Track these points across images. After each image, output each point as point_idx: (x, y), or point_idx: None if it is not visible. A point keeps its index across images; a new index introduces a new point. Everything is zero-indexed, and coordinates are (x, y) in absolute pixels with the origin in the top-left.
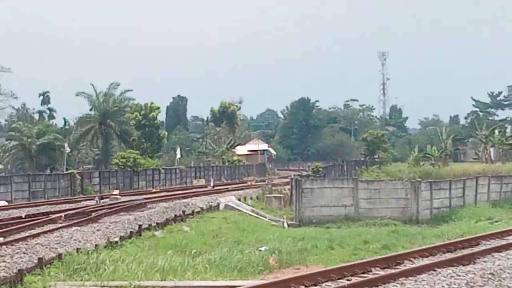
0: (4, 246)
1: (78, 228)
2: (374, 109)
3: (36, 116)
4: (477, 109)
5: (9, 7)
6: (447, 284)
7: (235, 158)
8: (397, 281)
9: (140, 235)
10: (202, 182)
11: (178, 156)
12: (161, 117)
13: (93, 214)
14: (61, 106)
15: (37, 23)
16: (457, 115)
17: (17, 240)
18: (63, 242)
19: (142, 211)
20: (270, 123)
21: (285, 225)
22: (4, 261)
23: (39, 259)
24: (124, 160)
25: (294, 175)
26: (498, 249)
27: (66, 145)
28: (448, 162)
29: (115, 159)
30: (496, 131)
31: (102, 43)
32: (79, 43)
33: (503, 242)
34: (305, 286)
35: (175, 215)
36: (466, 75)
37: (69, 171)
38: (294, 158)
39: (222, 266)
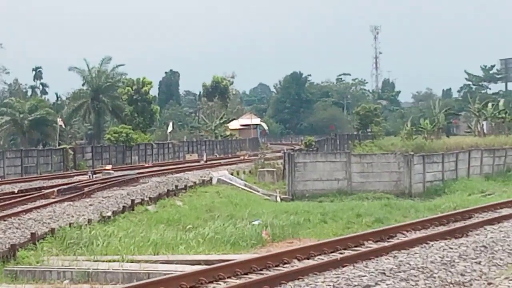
0: None
1: (71, 203)
2: (366, 83)
3: (29, 92)
4: (470, 83)
5: None
6: (439, 256)
7: (227, 132)
8: (389, 254)
9: (133, 210)
10: (195, 156)
11: (170, 129)
12: (154, 92)
13: (86, 189)
14: (53, 82)
15: None
16: (450, 89)
17: (10, 215)
18: (55, 217)
19: (135, 186)
20: (262, 97)
21: (278, 199)
22: None
23: (32, 234)
24: (116, 135)
25: (287, 149)
26: (490, 222)
27: (59, 120)
28: (440, 136)
29: (107, 134)
30: (489, 105)
31: (94, 18)
32: (71, 17)
33: (496, 215)
34: (298, 259)
35: (168, 190)
36: (459, 48)
37: (62, 146)
38: (286, 132)
39: (215, 240)
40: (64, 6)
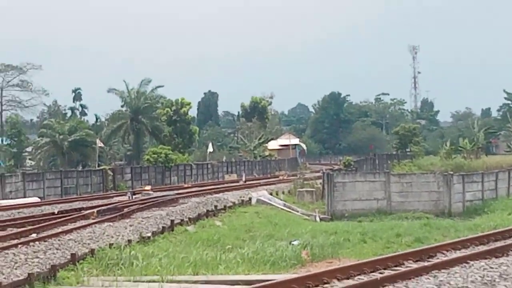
0: (37, 242)
1: (111, 223)
2: (405, 102)
3: (68, 113)
4: (510, 102)
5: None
6: (480, 276)
7: (266, 153)
8: (429, 273)
9: (173, 230)
10: (234, 177)
11: (210, 150)
12: (192, 112)
13: (125, 210)
14: (92, 103)
15: (70, 26)
16: (489, 108)
17: (50, 236)
18: (95, 237)
19: (174, 206)
20: (301, 117)
21: (317, 219)
22: (37, 257)
23: (72, 254)
24: (155, 155)
25: (325, 169)
26: None
27: (98, 141)
28: (480, 155)
29: (146, 155)
30: None
31: (133, 40)
32: (110, 39)
33: None
34: (338, 279)
35: (207, 210)
36: (498, 67)
37: (101, 167)
38: (325, 152)
39: (255, 260)
40: (103, 27)
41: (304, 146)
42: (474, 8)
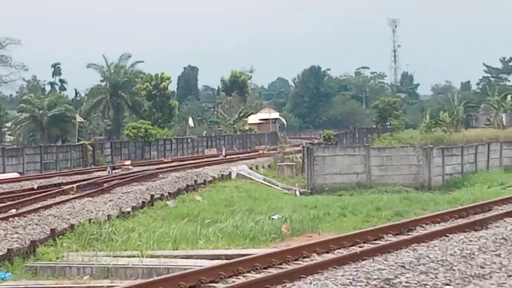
0: (16, 218)
1: (90, 199)
2: (385, 76)
3: (48, 88)
4: (489, 75)
5: None
6: (459, 249)
7: (246, 127)
8: (409, 247)
9: (152, 205)
10: (213, 151)
11: (191, 125)
12: (172, 87)
13: (105, 185)
14: (72, 78)
15: None
16: (469, 81)
17: (30, 212)
18: (75, 213)
19: (154, 181)
20: (281, 91)
21: (297, 193)
22: (17, 233)
23: (52, 230)
24: (135, 130)
25: (305, 143)
26: (510, 214)
27: (78, 116)
28: (460, 128)
29: (126, 130)
30: (508, 97)
31: (113, 15)
32: (90, 14)
33: None
34: (317, 253)
35: (187, 185)
36: (478, 41)
37: (81, 142)
38: (305, 126)
39: (234, 235)
40: (83, 3)
41: (284, 120)
42: None
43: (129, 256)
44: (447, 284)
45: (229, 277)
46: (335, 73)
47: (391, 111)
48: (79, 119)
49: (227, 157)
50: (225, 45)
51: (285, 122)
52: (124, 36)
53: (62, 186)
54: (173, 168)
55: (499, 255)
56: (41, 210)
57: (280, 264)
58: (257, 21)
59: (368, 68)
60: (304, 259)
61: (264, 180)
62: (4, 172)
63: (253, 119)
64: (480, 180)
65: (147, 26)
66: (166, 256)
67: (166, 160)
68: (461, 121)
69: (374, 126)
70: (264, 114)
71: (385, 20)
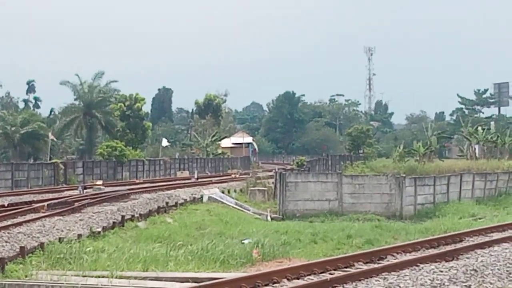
0: None
1: (61, 217)
2: (359, 104)
3: (21, 105)
4: (463, 106)
5: None
6: (429, 279)
7: (219, 150)
8: (379, 275)
9: (123, 226)
10: (186, 174)
11: (165, 144)
12: (146, 108)
13: (76, 204)
14: (46, 96)
15: (22, 11)
16: (443, 112)
17: None
18: (45, 231)
19: (126, 201)
20: (255, 116)
21: (269, 218)
22: None
23: (21, 248)
24: (110, 150)
25: (278, 169)
26: (481, 246)
27: (50, 134)
28: (433, 159)
29: (100, 148)
30: (479, 128)
31: (88, 34)
32: (65, 32)
33: (487, 238)
34: (288, 279)
35: (158, 207)
36: (453, 72)
37: (53, 161)
38: (278, 151)
39: (205, 258)
40: (58, 19)
41: (255, 145)
42: (429, 10)
43: (99, 276)
44: None
45: None
46: (310, 99)
47: (364, 139)
48: (51, 137)
49: (199, 180)
50: (200, 67)
51: (256, 148)
52: (99, 54)
53: (32, 204)
54: (145, 189)
55: (469, 286)
56: (11, 227)
57: None
58: (233, 44)
59: (343, 95)
60: (274, 285)
61: (236, 204)
62: None
63: (226, 143)
64: (452, 211)
65: (123, 45)
66: (135, 278)
67: (138, 181)
68: (434, 152)
69: (347, 153)
70: (237, 138)
71: (361, 48)
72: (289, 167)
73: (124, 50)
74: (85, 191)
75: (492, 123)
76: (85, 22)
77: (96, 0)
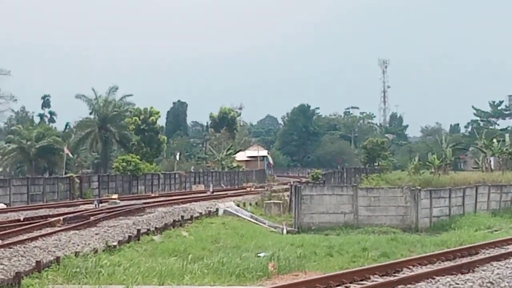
0: (2, 249)
1: (77, 231)
2: (374, 116)
3: (37, 120)
4: (478, 118)
5: (11, 13)
6: None
7: (234, 164)
8: None
9: (139, 240)
10: (201, 187)
11: (178, 157)
12: (161, 122)
13: (92, 218)
14: (61, 110)
15: (39, 30)
16: (458, 124)
17: (15, 243)
18: (61, 245)
19: (141, 215)
20: (270, 129)
21: (284, 231)
22: (2, 264)
23: (37, 262)
24: (125, 164)
25: (293, 182)
26: (497, 258)
27: (66, 149)
28: (448, 171)
29: (115, 162)
30: (495, 140)
31: (103, 48)
32: (80, 47)
33: (502, 251)
34: None
35: (174, 220)
36: (468, 84)
37: (68, 175)
38: (293, 164)
39: (220, 272)
40: (73, 36)
41: (270, 158)
42: (444, 23)
43: None
44: None
45: None
46: (324, 112)
47: (379, 151)
48: (67, 151)
49: (215, 193)
50: (215, 81)
51: (271, 161)
52: (114, 69)
53: (48, 218)
54: (160, 203)
55: None
56: (27, 241)
57: None
58: (247, 58)
59: (358, 108)
60: None
61: (251, 217)
62: None
63: (241, 156)
64: (468, 223)
65: (139, 60)
66: None
67: (153, 195)
68: (450, 164)
69: (362, 166)
70: (252, 152)
71: (375, 60)
72: (304, 180)
73: (139, 65)
74: (100, 205)
75: (507, 135)
76: (100, 37)
77: (109, 17)
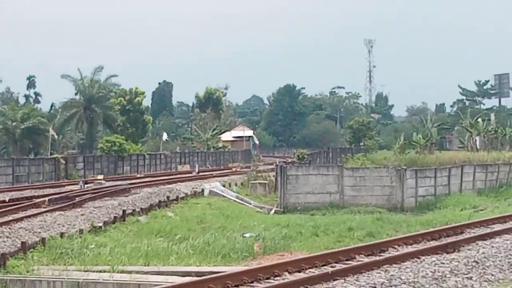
0: None
1: (62, 212)
2: (360, 96)
3: (22, 100)
4: (464, 98)
5: None
6: (431, 271)
7: (220, 144)
8: (381, 268)
9: (124, 220)
10: (187, 168)
11: (165, 138)
12: (146, 102)
13: (77, 199)
14: (47, 91)
15: (22, 5)
16: (443, 103)
17: (0, 224)
18: (46, 226)
19: (126, 196)
20: (255, 109)
21: (272, 211)
22: None
23: (22, 243)
24: (109, 144)
25: (279, 162)
26: (482, 237)
27: (51, 129)
28: (433, 150)
29: (100, 143)
30: (480, 120)
31: (87, 28)
32: (65, 24)
33: (488, 230)
34: (289, 272)
35: (159, 201)
36: (454, 63)
37: (54, 156)
38: (279, 144)
39: (206, 252)
40: (57, 13)
41: (256, 139)
42: (430, 1)
43: (100, 271)
44: None
45: None
46: (310, 92)
47: (365, 131)
48: (52, 132)
49: (200, 173)
50: (200, 61)
51: (257, 142)
52: (98, 49)
53: (33, 199)
54: (146, 183)
55: (470, 278)
56: (12, 223)
57: (252, 282)
58: (233, 38)
59: (343, 88)
60: (276, 278)
61: (237, 197)
62: None
63: (227, 136)
64: (453, 203)
65: (122, 39)
66: (137, 272)
67: (139, 176)
68: (435, 144)
69: (348, 146)
70: (238, 132)
71: (361, 40)
72: (290, 160)
73: (123, 44)
74: (86, 186)
75: (493, 114)
76: (85, 17)
77: None
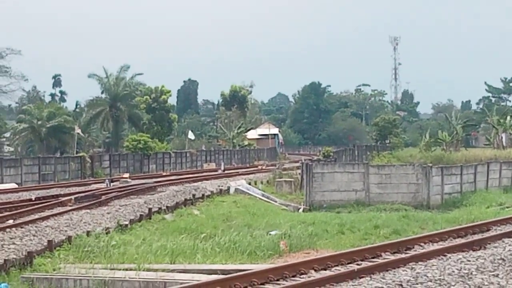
0: (14, 228)
1: (88, 211)
2: (385, 94)
3: (48, 99)
4: (490, 95)
5: None
6: (457, 269)
7: (245, 142)
8: (407, 265)
9: (150, 219)
10: (212, 166)
11: (191, 137)
12: (172, 100)
13: (103, 197)
14: (72, 89)
15: (50, 6)
16: (469, 101)
17: (27, 223)
18: (72, 225)
19: (152, 194)
20: (281, 107)
21: (301, 210)
22: (14, 243)
23: (49, 241)
24: (135, 143)
25: (304, 160)
26: (508, 235)
27: (76, 127)
28: (459, 148)
29: (126, 142)
30: (508, 117)
31: (114, 27)
32: (92, 24)
33: None
34: (315, 270)
35: (185, 199)
36: (480, 60)
37: (79, 154)
38: (305, 142)
39: (232, 250)
40: (83, 13)
41: (281, 137)
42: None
43: (126, 269)
44: None
45: None
46: (336, 90)
47: (390, 129)
48: (78, 130)
49: (226, 171)
50: (226, 59)
51: (282, 139)
52: (125, 48)
53: (60, 198)
54: (172, 181)
55: (497, 275)
56: (39, 221)
57: (278, 280)
58: (259, 36)
59: (369, 85)
60: (302, 276)
61: (263, 195)
62: (2, 183)
63: (252, 134)
64: (479, 200)
65: (148, 38)
66: (163, 270)
67: (164, 174)
68: (461, 141)
69: (374, 143)
70: (263, 130)
71: (386, 37)
72: (315, 158)
73: (149, 44)
74: (112, 184)
75: None
76: (111, 16)
77: None
